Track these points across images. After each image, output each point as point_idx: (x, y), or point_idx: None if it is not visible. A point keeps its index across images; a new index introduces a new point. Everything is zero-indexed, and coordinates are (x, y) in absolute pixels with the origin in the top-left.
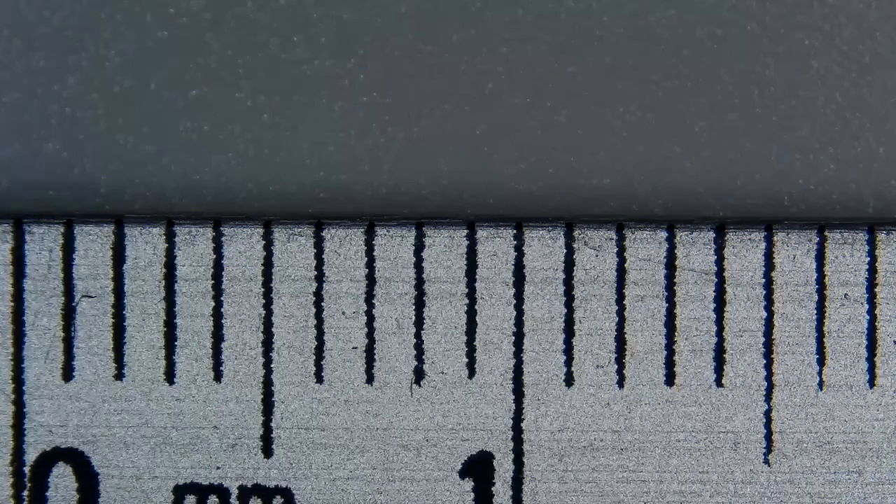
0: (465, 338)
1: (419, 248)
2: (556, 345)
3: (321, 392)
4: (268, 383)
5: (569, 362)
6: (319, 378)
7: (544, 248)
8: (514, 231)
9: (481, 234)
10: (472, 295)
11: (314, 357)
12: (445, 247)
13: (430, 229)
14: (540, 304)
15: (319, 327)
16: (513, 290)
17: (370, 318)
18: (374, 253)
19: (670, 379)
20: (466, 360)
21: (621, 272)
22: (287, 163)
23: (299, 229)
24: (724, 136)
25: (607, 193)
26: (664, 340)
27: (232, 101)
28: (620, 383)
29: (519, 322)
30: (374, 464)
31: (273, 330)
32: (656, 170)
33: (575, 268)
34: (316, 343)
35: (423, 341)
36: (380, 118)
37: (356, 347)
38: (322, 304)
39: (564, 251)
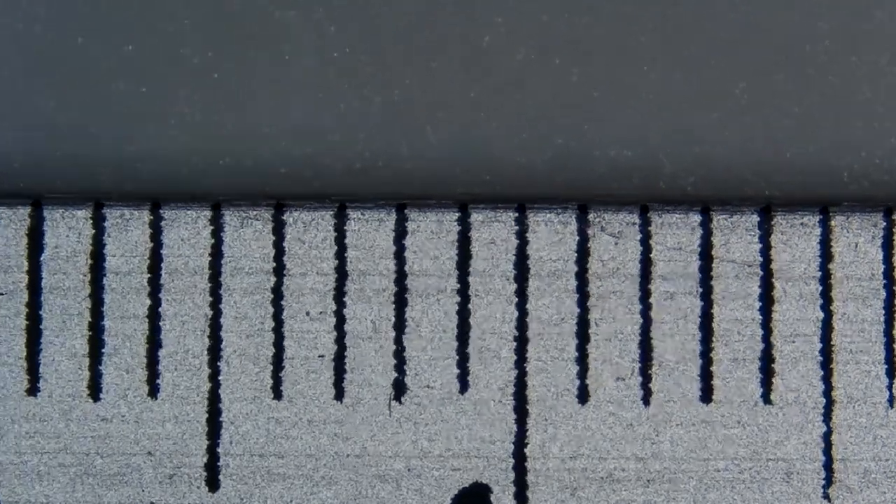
0: (455, 344)
1: (400, 234)
2: (568, 352)
3: (279, 410)
4: (214, 400)
5: (583, 374)
6: (277, 393)
7: (552, 234)
8: (516, 214)
9: (476, 217)
10: (464, 292)
11: (271, 367)
12: (432, 233)
13: (414, 212)
14: (547, 302)
15: (278, 331)
16: (514, 286)
17: (340, 320)
18: (346, 240)
19: (707, 394)
20: (458, 371)
21: (646, 264)
22: (241, 132)
23: (255, 212)
24: (769, 99)
25: (628, 168)
26: (699, 347)
27: (175, 57)
28: (646, 399)
29: (522, 325)
30: (344, 498)
31: (222, 334)
32: (688, 140)
33: (590, 259)
34: (274, 350)
35: (404, 348)
36: (353, 78)
37: (323, 356)
38: (282, 302)
39: (577, 238)
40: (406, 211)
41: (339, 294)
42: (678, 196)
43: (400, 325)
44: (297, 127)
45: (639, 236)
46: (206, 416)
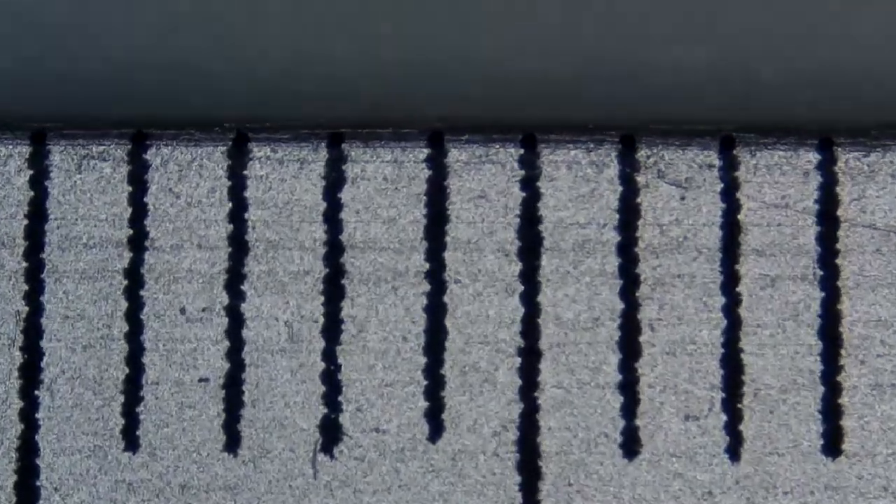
0: (423, 360)
1: (335, 182)
2: (606, 374)
3: (135, 469)
4: (29, 448)
5: (629, 409)
6: (131, 441)
7: (580, 183)
8: (521, 151)
9: (456, 155)
10: (438, 275)
11: (122, 399)
12: (386, 181)
13: (356, 147)
14: (572, 293)
15: (134, 339)
16: (518, 267)
17: (236, 321)
18: (246, 192)
19: (833, 443)
20: (427, 404)
21: (731, 231)
22: (68, 16)
23: (99, 146)
24: None
25: (701, 77)
26: (819, 366)
27: None
28: (734, 451)
29: (530, 329)
30: None
31: (43, 344)
32: (799, 28)
33: (640, 223)
34: (126, 371)
35: (339, 367)
36: None
37: (206, 380)
38: (140, 293)
39: (619, 190)
40: (344, 146)
41: (235, 278)
42: (783, 120)
43: (333, 329)
44: (165, 15)
45: (719, 186)
46: (15, 478)
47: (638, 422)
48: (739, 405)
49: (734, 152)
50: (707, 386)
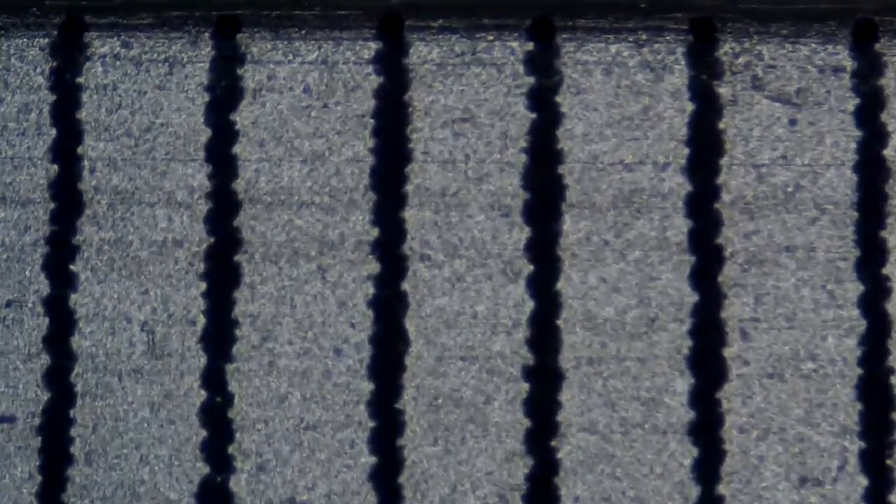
0: (369, 386)
1: (227, 92)
2: (671, 409)
3: None
4: None
5: (708, 465)
6: None
7: (624, 98)
8: (530, 45)
9: (423, 53)
10: (392, 245)
11: None
12: (310, 93)
13: (260, 38)
14: (614, 274)
15: None
16: (525, 233)
17: (63, 320)
18: (81, 112)
19: None
20: (374, 459)
21: (873, 173)
22: None
23: None
24: None
25: None
26: None
27: None
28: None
29: (545, 334)
30: None
31: None
32: None
33: (724, 161)
34: None
35: (229, 396)
36: None
37: (11, 419)
38: None
39: (691, 108)
40: (240, 36)
41: (60, 253)
42: None
43: (220, 337)
44: None
45: (852, 102)
46: None
47: (722, 489)
48: (889, 461)
49: (876, 47)
50: (836, 430)
